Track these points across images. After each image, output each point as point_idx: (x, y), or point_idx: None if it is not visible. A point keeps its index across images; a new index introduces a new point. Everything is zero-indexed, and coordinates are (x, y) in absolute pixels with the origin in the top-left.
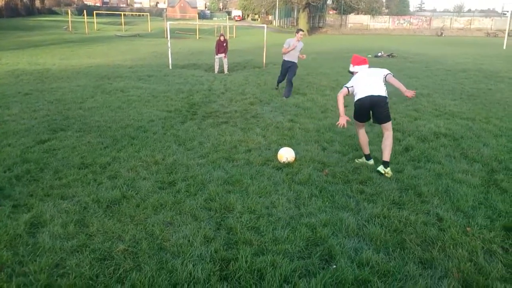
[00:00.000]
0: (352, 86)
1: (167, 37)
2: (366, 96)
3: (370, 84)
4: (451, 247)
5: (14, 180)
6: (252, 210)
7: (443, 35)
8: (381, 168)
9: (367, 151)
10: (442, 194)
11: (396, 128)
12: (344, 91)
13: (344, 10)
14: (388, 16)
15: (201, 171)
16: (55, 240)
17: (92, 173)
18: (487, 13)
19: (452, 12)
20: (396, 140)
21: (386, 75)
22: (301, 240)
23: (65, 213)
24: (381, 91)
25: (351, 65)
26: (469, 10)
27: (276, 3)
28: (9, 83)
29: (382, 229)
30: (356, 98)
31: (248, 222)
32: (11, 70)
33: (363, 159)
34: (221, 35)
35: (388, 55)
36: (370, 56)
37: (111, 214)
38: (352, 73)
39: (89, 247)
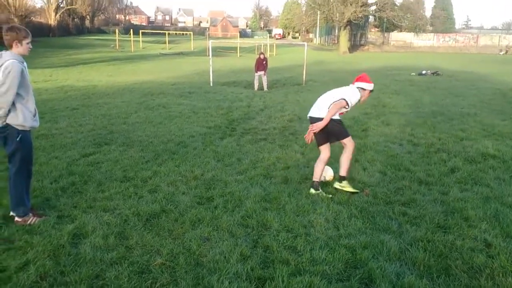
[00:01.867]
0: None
1: (209, 55)
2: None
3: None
4: (501, 275)
5: (60, 191)
6: (289, 228)
7: (508, 53)
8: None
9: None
10: (490, 219)
11: (442, 149)
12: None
13: (387, 27)
14: (432, 34)
15: (238, 188)
16: (96, 252)
17: (134, 187)
18: None
19: (500, 29)
20: (441, 161)
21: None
22: (339, 261)
23: (106, 225)
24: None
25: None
26: None
27: (317, 22)
28: (58, 98)
29: (426, 253)
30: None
31: (285, 241)
32: (60, 86)
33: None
34: (261, 53)
35: (433, 73)
36: (413, 74)
37: (150, 228)
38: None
39: (128, 259)
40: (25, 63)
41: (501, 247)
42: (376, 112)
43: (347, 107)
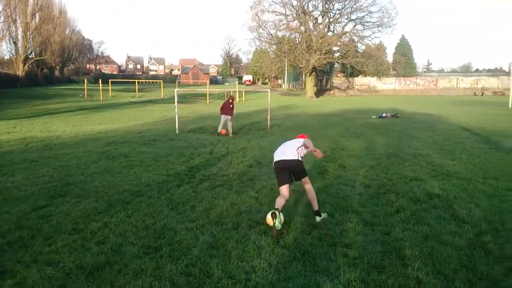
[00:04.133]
0: None
1: (176, 103)
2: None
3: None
4: None
5: (6, 246)
6: (231, 275)
7: (484, 94)
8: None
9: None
10: (425, 257)
11: (391, 189)
12: None
13: (351, 73)
14: (394, 78)
15: (187, 236)
16: None
17: (82, 239)
18: (494, 72)
19: (459, 72)
20: (389, 202)
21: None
22: None
23: (48, 279)
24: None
25: None
26: (477, 70)
27: (284, 68)
28: (18, 150)
29: None
30: None
31: None
32: (23, 138)
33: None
34: (231, 97)
35: (393, 116)
36: (374, 117)
37: (92, 280)
38: None
39: None
40: None
41: (430, 284)
42: (334, 155)
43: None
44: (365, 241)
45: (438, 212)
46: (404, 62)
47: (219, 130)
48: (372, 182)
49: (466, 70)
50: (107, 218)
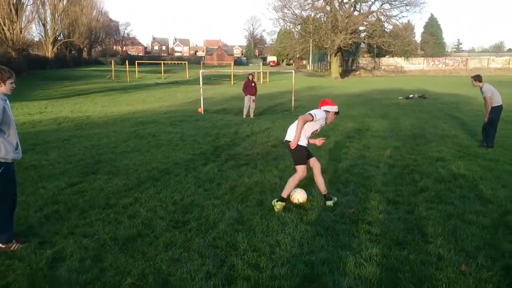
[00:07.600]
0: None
1: (201, 84)
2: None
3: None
4: (443, 285)
5: (44, 219)
6: (256, 248)
7: None
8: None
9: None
10: (448, 235)
11: (416, 170)
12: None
13: (378, 53)
14: (422, 58)
15: (214, 211)
16: (71, 274)
17: (114, 213)
18: None
19: (490, 52)
20: (413, 181)
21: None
22: (297, 276)
23: (84, 249)
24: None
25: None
26: (509, 50)
27: (309, 49)
28: (50, 130)
29: (379, 267)
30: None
31: (250, 259)
32: (54, 118)
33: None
34: (250, 74)
35: (420, 97)
36: (401, 98)
37: (125, 251)
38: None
39: (100, 280)
40: (7, 101)
41: (451, 260)
42: (359, 136)
43: (313, 120)
44: (387, 219)
45: (463, 192)
46: (432, 42)
47: (244, 113)
48: (397, 163)
49: (498, 50)
50: (137, 194)
